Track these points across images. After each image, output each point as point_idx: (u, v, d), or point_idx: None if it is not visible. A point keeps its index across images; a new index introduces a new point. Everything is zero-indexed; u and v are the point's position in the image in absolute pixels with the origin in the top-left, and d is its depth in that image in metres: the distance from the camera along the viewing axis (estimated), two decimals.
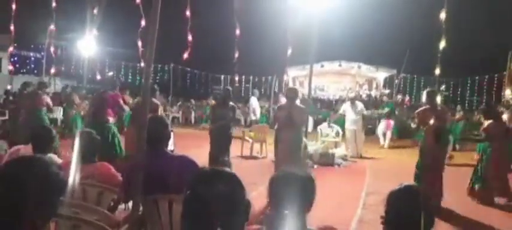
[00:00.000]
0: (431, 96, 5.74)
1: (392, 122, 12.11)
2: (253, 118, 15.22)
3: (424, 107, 5.88)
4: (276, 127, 6.30)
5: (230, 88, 7.36)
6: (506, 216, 5.46)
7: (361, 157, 9.85)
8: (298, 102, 6.30)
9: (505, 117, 6.48)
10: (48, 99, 7.34)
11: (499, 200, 5.93)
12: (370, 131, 13.53)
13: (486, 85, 19.82)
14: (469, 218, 5.24)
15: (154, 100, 6.87)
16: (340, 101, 17.87)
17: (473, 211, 5.53)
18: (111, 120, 6.30)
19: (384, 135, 11.97)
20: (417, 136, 8.11)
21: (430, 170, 5.48)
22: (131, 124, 6.65)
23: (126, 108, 6.82)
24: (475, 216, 5.32)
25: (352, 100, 10.39)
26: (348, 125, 10.00)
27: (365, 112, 10.39)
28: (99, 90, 7.56)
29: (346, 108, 10.17)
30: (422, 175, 5.52)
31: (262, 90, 19.36)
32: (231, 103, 6.86)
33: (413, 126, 6.26)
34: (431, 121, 5.52)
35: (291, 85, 19.82)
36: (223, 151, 6.65)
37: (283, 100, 11.81)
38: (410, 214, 1.64)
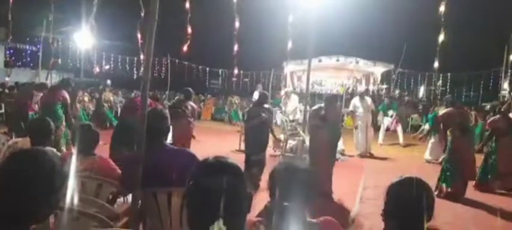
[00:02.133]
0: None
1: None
2: None
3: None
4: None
5: (267, 93, 7.36)
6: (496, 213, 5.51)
7: (370, 155, 9.49)
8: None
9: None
10: (66, 94, 7.10)
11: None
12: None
13: (482, 80, 19.88)
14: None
15: (191, 103, 6.82)
16: (339, 96, 17.85)
17: (463, 208, 5.59)
18: None
19: (384, 131, 11.65)
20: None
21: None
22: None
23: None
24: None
25: (362, 95, 10.05)
26: (359, 121, 9.61)
27: (373, 107, 10.05)
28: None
29: (355, 103, 9.80)
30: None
31: (261, 85, 19.31)
32: (266, 105, 6.49)
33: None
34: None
35: (288, 79, 19.86)
36: (260, 150, 6.14)
37: (294, 97, 11.77)
38: (411, 206, 1.65)
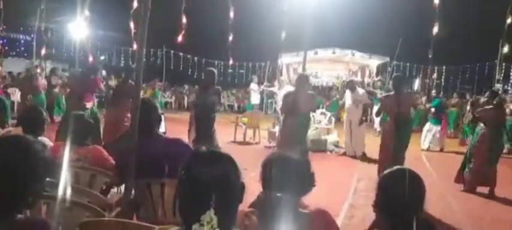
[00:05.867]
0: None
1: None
2: (252, 103, 15.56)
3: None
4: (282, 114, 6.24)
5: (214, 70, 6.94)
6: (486, 205, 5.50)
7: (363, 155, 8.18)
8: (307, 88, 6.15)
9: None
10: (44, 81, 7.23)
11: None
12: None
13: (477, 74, 19.98)
14: (448, 206, 5.32)
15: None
16: (334, 88, 17.90)
17: (455, 199, 5.64)
18: (89, 104, 6.37)
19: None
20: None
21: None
22: (111, 107, 6.66)
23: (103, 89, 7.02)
24: (456, 204, 5.42)
25: (350, 86, 8.91)
26: (345, 115, 8.88)
27: (366, 101, 8.76)
28: (80, 73, 7.60)
29: (346, 95, 8.89)
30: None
31: (256, 77, 19.28)
32: (216, 86, 6.39)
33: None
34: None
35: (284, 71, 19.81)
36: (207, 138, 6.04)
37: (287, 88, 11.56)
38: (401, 197, 1.65)
